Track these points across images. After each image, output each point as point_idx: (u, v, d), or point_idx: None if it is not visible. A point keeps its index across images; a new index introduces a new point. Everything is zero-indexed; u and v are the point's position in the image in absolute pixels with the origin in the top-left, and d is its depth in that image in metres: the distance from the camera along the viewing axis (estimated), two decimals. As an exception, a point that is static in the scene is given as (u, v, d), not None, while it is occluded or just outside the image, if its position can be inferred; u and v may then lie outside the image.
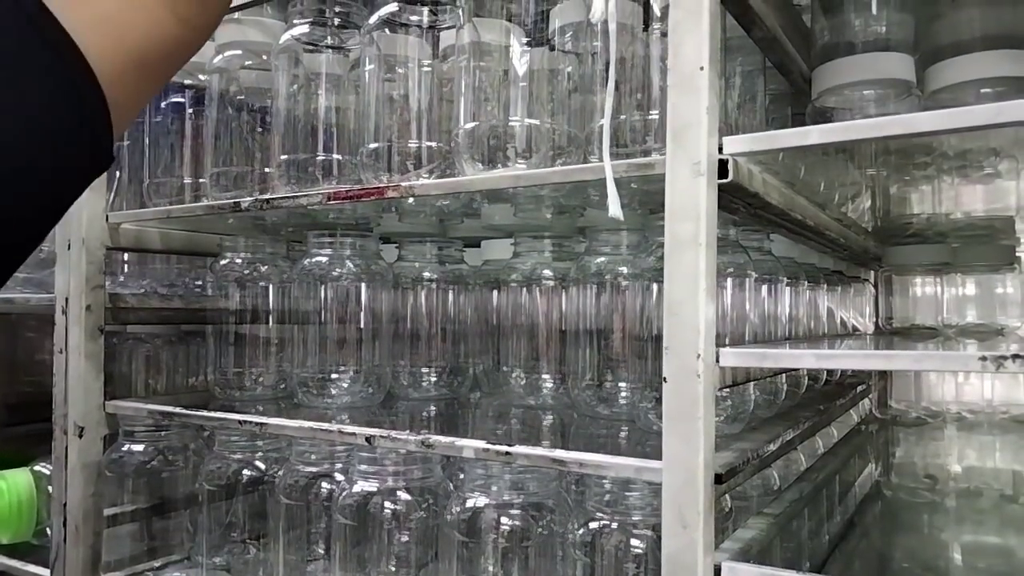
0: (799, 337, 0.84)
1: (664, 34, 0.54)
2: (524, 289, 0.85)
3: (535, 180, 0.56)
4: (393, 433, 0.62)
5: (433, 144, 0.66)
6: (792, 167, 0.74)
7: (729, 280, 0.66)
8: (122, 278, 0.97)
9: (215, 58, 0.80)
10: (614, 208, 0.52)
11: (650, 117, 0.57)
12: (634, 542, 0.54)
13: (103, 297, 0.82)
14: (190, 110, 0.83)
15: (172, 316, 0.93)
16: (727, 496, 0.62)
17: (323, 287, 0.81)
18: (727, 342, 0.57)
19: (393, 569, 0.70)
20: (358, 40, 0.73)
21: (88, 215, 0.80)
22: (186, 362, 1.00)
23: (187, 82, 0.81)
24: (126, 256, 0.97)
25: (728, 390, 0.70)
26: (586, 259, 0.77)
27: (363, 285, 0.83)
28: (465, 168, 0.61)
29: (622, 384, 0.75)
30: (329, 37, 0.73)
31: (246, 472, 0.77)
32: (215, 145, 0.79)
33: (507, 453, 0.56)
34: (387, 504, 0.65)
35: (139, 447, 0.83)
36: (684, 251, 0.47)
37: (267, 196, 0.70)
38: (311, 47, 0.72)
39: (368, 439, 0.63)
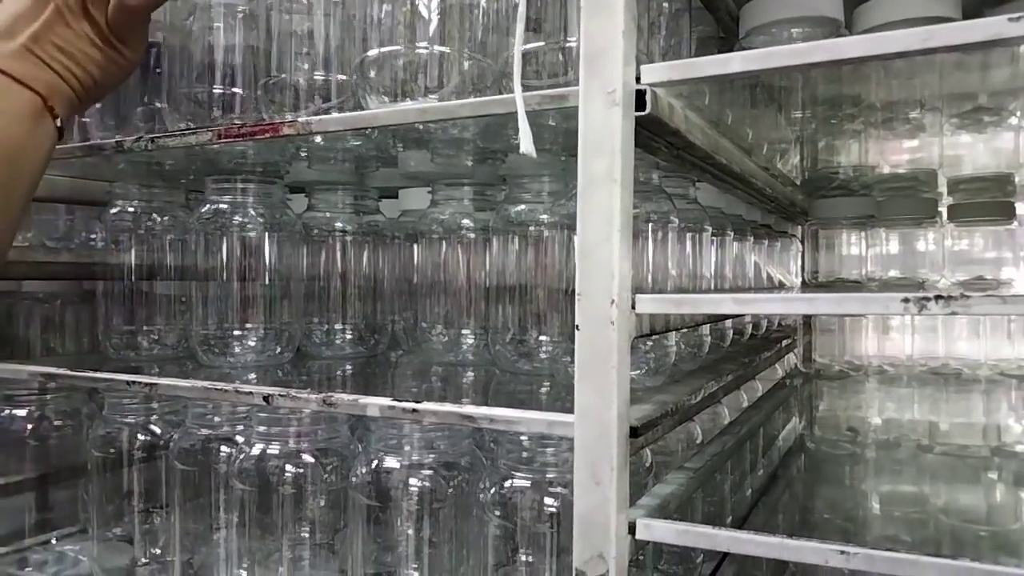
0: (724, 290, 0.82)
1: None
2: (443, 241, 0.81)
3: (443, 114, 0.51)
4: (293, 392, 0.57)
5: (341, 77, 0.61)
6: (719, 111, 0.72)
7: (650, 227, 0.63)
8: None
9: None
10: (525, 143, 0.47)
11: (568, 45, 0.53)
12: (548, 500, 0.51)
13: (-25, 249, 0.74)
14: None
15: (61, 271, 0.85)
16: (647, 451, 0.60)
17: (223, 237, 0.75)
18: (647, 288, 0.54)
19: (304, 536, 0.66)
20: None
21: (-48, 157, 0.72)
22: (90, 322, 0.93)
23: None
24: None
25: (650, 342, 0.68)
26: (506, 207, 0.73)
27: (267, 235, 0.77)
28: (370, 102, 0.56)
29: (543, 338, 0.72)
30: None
31: (140, 437, 0.71)
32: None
33: (414, 411, 0.52)
34: (288, 467, 0.60)
35: (22, 412, 0.76)
36: (597, 189, 0.44)
37: (153, 135, 0.64)
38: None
39: (266, 398, 0.58)
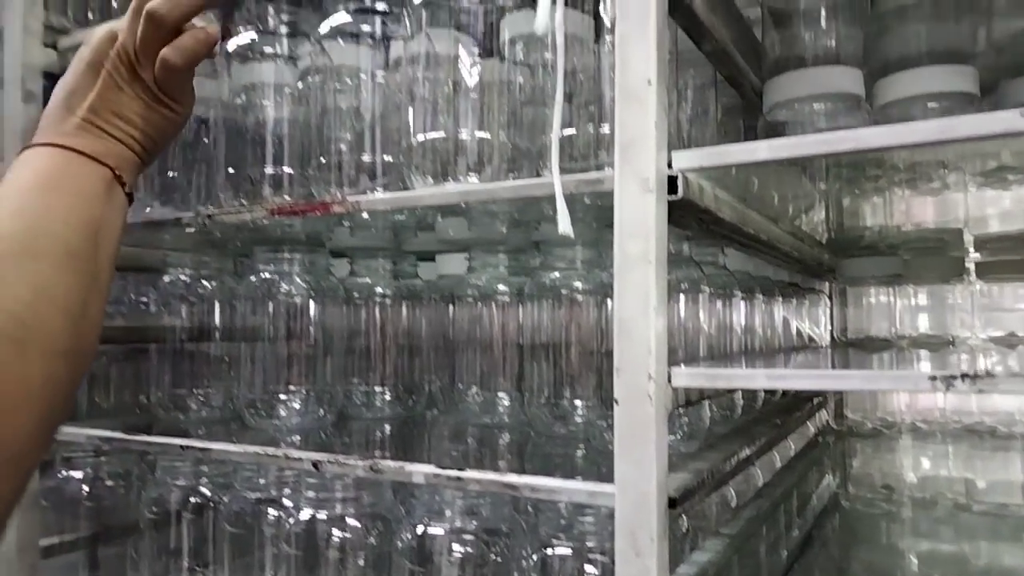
0: (755, 350, 0.83)
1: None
2: (479, 305, 0.84)
3: (485, 195, 0.55)
4: (341, 458, 0.59)
5: (386, 157, 0.65)
6: (745, 180, 0.74)
7: (683, 296, 0.65)
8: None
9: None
10: (564, 225, 0.50)
11: (603, 131, 0.56)
12: (589, 569, 0.53)
13: (38, 317, 0.78)
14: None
15: (115, 335, 0.89)
16: (684, 517, 0.61)
17: (270, 304, 0.79)
18: (681, 359, 0.56)
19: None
20: (308, 49, 0.71)
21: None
22: (134, 381, 0.96)
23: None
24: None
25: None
26: (541, 274, 0.76)
27: (312, 302, 0.80)
28: (414, 182, 0.59)
29: (578, 402, 0.74)
30: (276, 46, 0.71)
31: (190, 499, 0.74)
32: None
33: (458, 478, 0.54)
34: (335, 532, 0.62)
35: (78, 474, 0.79)
36: (634, 269, 0.46)
37: (210, 212, 0.68)
38: (258, 56, 0.70)
39: (315, 464, 0.60)
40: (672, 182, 0.47)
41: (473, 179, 0.59)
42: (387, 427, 0.86)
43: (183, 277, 0.83)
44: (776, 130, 0.71)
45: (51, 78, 0.80)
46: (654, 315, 0.46)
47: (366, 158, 0.64)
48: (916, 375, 0.41)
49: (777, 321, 0.96)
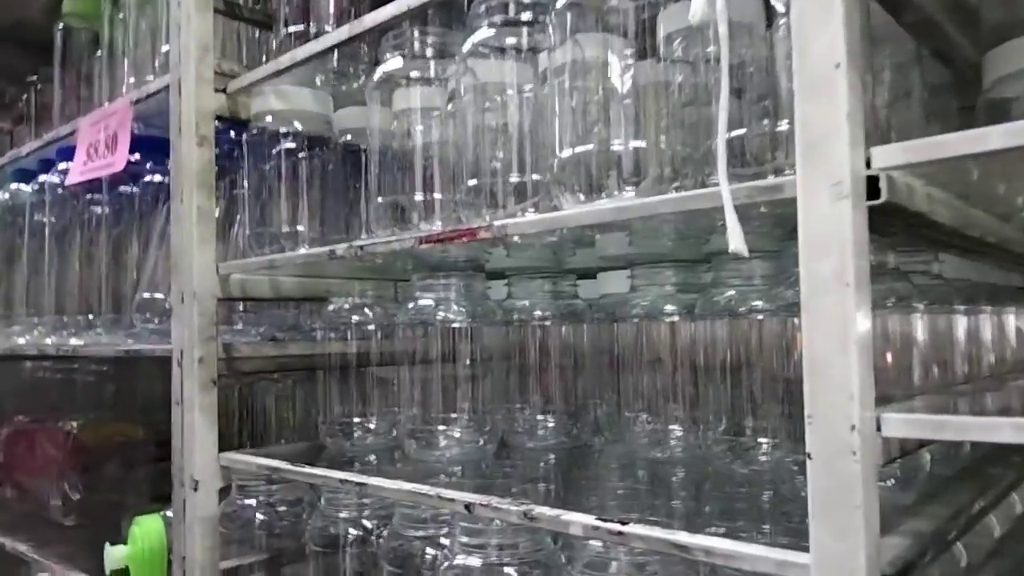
0: (983, 377, 0.69)
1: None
2: (646, 326, 0.77)
3: (642, 211, 0.48)
4: (494, 502, 0.55)
5: (535, 177, 0.60)
6: (963, 172, 0.62)
7: (890, 316, 0.55)
8: (240, 325, 0.97)
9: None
10: (735, 242, 0.43)
11: (779, 128, 0.48)
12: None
13: (216, 348, 0.82)
14: (287, 158, 0.82)
15: (288, 363, 0.92)
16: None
17: (428, 332, 0.77)
18: (893, 398, 0.46)
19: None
20: (455, 69, 0.69)
21: (199, 267, 0.80)
22: (307, 408, 0.99)
23: (283, 130, 0.80)
24: (244, 305, 0.97)
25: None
26: (713, 292, 0.68)
27: (470, 328, 0.78)
28: (563, 201, 0.54)
29: (762, 439, 0.65)
30: (423, 69, 0.68)
31: (352, 531, 0.73)
32: (312, 191, 0.77)
33: (619, 533, 0.48)
34: (490, 579, 0.58)
35: (251, 501, 0.81)
36: (825, 295, 0.38)
37: (361, 243, 0.67)
38: (405, 80, 0.68)
39: (467, 506, 0.57)
40: (872, 184, 0.38)
41: (629, 193, 0.53)
42: (551, 457, 0.81)
43: (346, 305, 0.84)
44: (1001, 109, 0.58)
45: (222, 121, 0.84)
46: (856, 350, 0.37)
47: (514, 179, 0.60)
48: None
49: (1010, 335, 0.80)
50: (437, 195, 0.65)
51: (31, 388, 1.65)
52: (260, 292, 0.86)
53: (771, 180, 0.42)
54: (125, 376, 0.87)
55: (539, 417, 0.84)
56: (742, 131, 0.48)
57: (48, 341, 1.12)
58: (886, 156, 0.39)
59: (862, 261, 0.38)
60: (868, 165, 0.39)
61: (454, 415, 0.78)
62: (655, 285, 0.75)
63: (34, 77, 1.50)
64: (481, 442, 0.78)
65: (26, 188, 1.23)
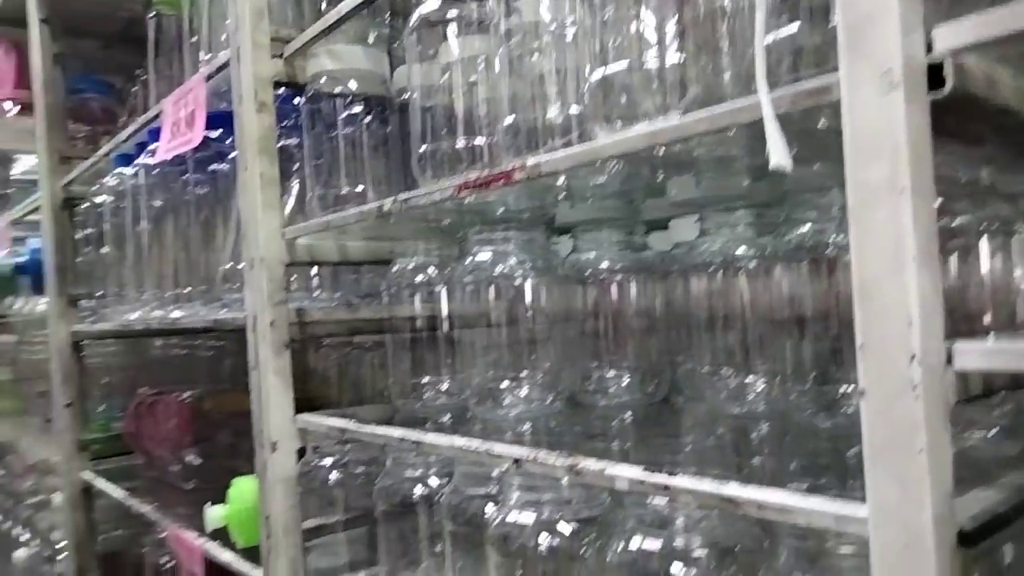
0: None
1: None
2: (719, 274, 0.71)
3: (676, 134, 0.43)
4: (541, 456, 0.52)
5: (574, 111, 0.56)
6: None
7: (984, 241, 0.47)
8: (318, 292, 0.98)
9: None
10: (777, 156, 0.37)
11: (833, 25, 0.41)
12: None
13: (287, 313, 0.83)
14: (345, 119, 0.81)
15: (360, 327, 0.92)
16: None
17: (488, 288, 0.74)
18: (980, 330, 0.40)
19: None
20: (493, 9, 0.65)
21: (265, 232, 0.81)
22: (380, 371, 1.00)
23: (338, 90, 0.79)
24: (318, 270, 0.98)
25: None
26: (786, 230, 0.61)
27: (531, 282, 0.75)
28: (598, 131, 0.50)
29: (845, 388, 0.59)
30: (461, 10, 0.65)
31: (417, 490, 0.73)
32: (372, 151, 0.76)
33: (666, 487, 0.44)
34: (542, 538, 0.56)
35: (326, 461, 0.83)
36: (876, 206, 0.32)
37: (404, 196, 0.65)
38: (442, 23, 0.65)
39: (516, 461, 0.54)
40: (935, 73, 0.32)
41: (674, 115, 0.48)
42: (625, 416, 0.77)
43: (410, 266, 0.83)
44: None
45: (280, 87, 0.84)
46: (915, 267, 0.31)
47: (552, 115, 0.56)
48: None
49: None
50: (478, 142, 0.62)
51: (158, 363, 1.77)
52: (327, 256, 0.87)
53: (816, 82, 0.37)
54: (240, 350, 0.92)
55: (611, 374, 0.80)
56: (791, 30, 0.42)
57: (153, 315, 1.19)
58: (954, 34, 0.32)
59: (922, 166, 0.32)
60: (929, 49, 0.33)
61: (520, 374, 0.75)
62: (726, 227, 0.69)
63: (140, 70, 1.59)
64: (549, 400, 0.76)
65: (127, 172, 1.30)
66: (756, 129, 0.41)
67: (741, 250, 0.68)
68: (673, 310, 0.79)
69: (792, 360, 0.64)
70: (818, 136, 0.46)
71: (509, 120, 0.58)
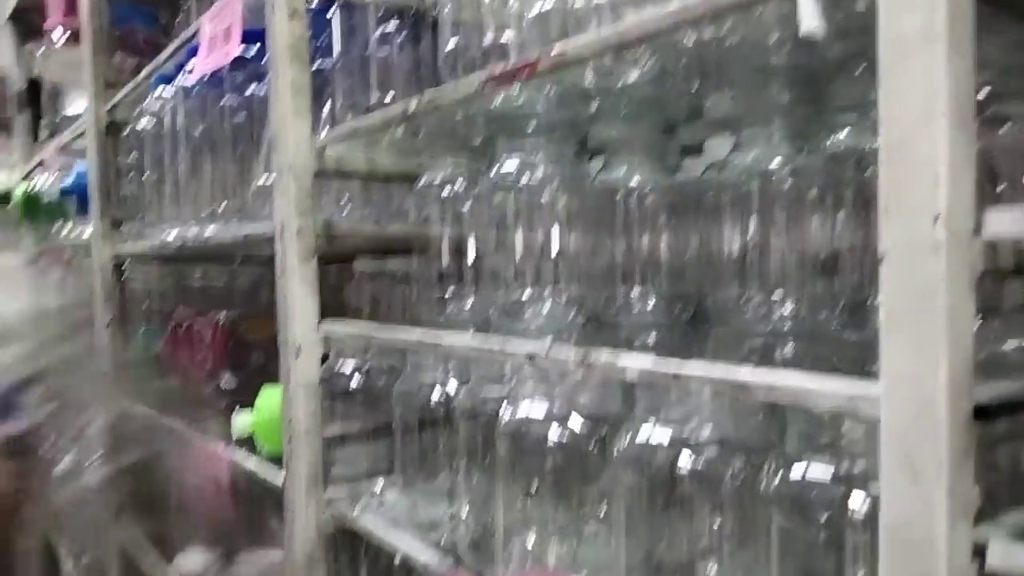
0: None
1: None
2: (751, 193, 0.69)
3: (706, 6, 0.41)
4: (554, 350, 0.52)
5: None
6: None
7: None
8: (349, 208, 0.98)
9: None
10: (808, 21, 0.35)
11: None
12: (853, 500, 0.38)
13: (314, 223, 0.83)
14: (378, 29, 0.80)
15: (389, 243, 0.92)
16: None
17: (513, 199, 0.73)
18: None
19: (585, 511, 0.60)
20: None
21: (294, 140, 0.81)
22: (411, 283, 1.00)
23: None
24: (349, 189, 0.98)
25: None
26: (820, 141, 0.59)
27: (557, 195, 0.73)
28: (627, 14, 0.48)
29: (874, 301, 0.57)
30: None
31: (434, 395, 0.73)
32: (403, 61, 0.75)
33: (676, 375, 0.43)
34: (552, 433, 0.55)
35: (347, 368, 0.84)
36: (907, 58, 0.30)
37: (428, 95, 0.64)
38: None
39: (529, 356, 0.54)
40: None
41: None
42: (648, 336, 0.76)
43: (437, 180, 0.82)
44: None
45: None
46: (945, 123, 0.30)
47: (578, 5, 0.54)
48: None
49: None
50: (506, 38, 0.61)
51: (197, 291, 1.81)
52: (356, 167, 0.86)
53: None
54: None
55: (635, 293, 0.79)
56: None
57: (189, 233, 1.21)
58: None
59: (959, 16, 0.30)
60: None
61: (540, 292, 0.75)
62: (759, 141, 0.67)
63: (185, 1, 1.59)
64: (571, 316, 0.75)
65: (167, 94, 1.31)
66: (789, 10, 0.39)
67: (775, 163, 0.65)
68: (702, 229, 0.77)
69: (822, 277, 0.62)
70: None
71: (536, 9, 0.56)
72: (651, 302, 0.79)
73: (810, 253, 0.63)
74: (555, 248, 0.75)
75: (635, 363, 0.46)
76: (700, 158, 0.85)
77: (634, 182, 0.78)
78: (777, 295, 0.67)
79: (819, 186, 0.61)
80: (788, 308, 0.67)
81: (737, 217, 0.71)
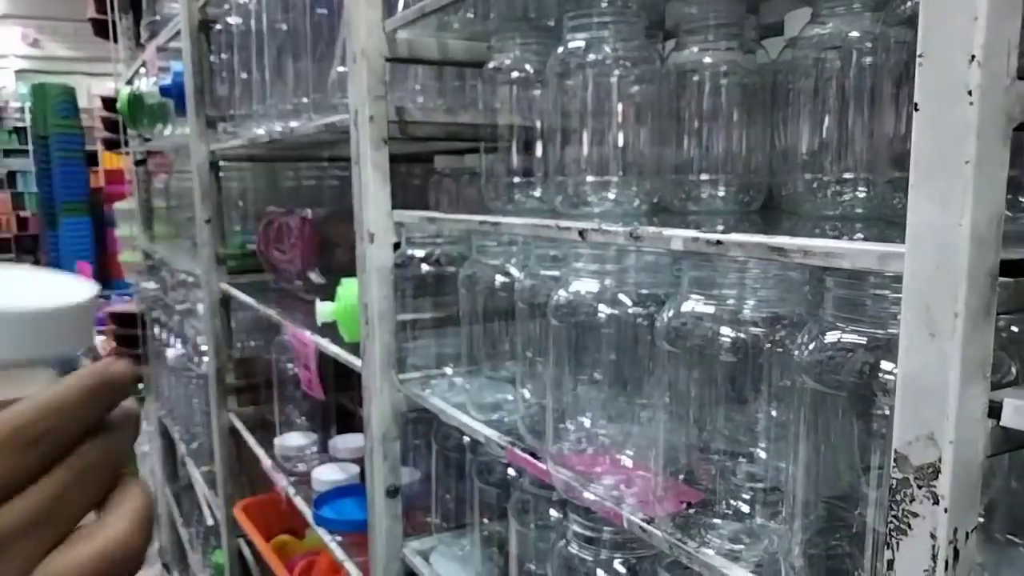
0: None
1: None
2: (825, 72, 0.66)
3: None
4: (604, 226, 0.53)
5: None
6: None
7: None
8: (421, 99, 1.00)
9: None
10: None
11: None
12: (885, 364, 0.38)
13: (386, 109, 0.85)
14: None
15: (459, 131, 0.93)
16: None
17: (578, 81, 0.72)
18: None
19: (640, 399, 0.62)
20: None
21: (366, 25, 0.82)
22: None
23: None
24: (423, 79, 0.99)
25: None
26: (898, 5, 0.55)
27: (626, 76, 0.72)
28: None
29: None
30: None
31: (498, 277, 0.75)
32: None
33: (718, 242, 0.43)
34: (602, 308, 0.57)
35: (419, 254, 0.87)
36: None
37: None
38: None
39: (581, 233, 0.55)
40: None
41: None
42: (716, 223, 0.75)
43: (506, 61, 0.82)
44: None
45: None
46: (990, -44, 0.28)
47: None
48: None
49: None
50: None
51: (288, 191, 1.89)
52: (427, 52, 0.87)
53: None
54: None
55: (704, 179, 0.77)
56: None
57: (277, 128, 1.25)
58: None
59: None
60: None
61: (607, 178, 0.75)
62: (839, 10, 0.63)
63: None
64: (636, 203, 0.75)
65: (253, -9, 1.33)
66: None
67: (855, 32, 0.62)
68: (776, 111, 0.75)
69: (897, 159, 0.60)
70: None
71: None
72: (721, 190, 0.78)
73: (884, 133, 0.60)
74: (623, 133, 0.75)
75: (679, 233, 0.46)
76: (780, 40, 0.81)
77: (707, 59, 0.76)
78: (849, 178, 0.65)
79: (896, 60, 0.57)
80: (860, 192, 0.65)
81: (811, 97, 0.68)
